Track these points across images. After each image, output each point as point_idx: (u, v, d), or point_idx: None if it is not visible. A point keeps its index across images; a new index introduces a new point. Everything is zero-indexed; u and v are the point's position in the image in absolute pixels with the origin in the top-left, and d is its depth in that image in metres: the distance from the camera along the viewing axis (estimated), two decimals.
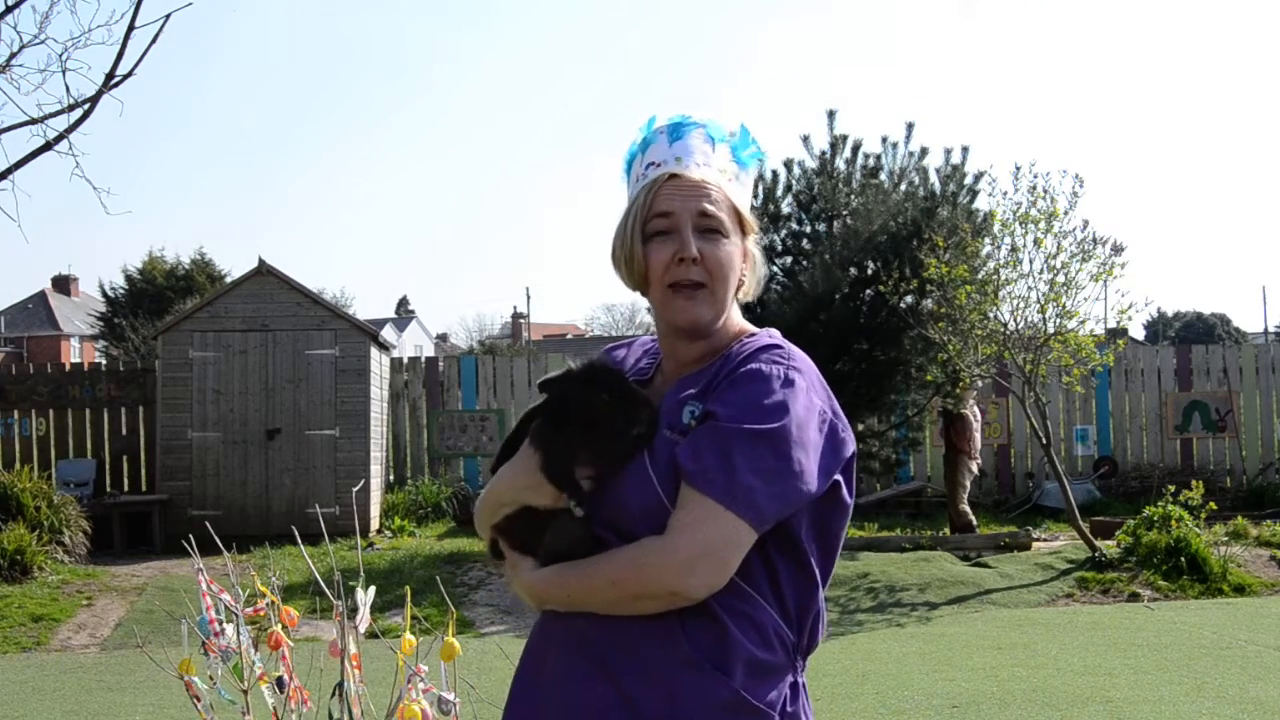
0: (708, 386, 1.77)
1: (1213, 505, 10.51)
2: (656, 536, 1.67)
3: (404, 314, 65.64)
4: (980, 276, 10.83)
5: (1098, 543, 10.31)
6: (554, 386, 1.80)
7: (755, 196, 12.16)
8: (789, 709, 1.75)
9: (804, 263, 11.86)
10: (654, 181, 1.82)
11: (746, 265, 1.86)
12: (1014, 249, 10.61)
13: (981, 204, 11.92)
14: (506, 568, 1.85)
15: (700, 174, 1.81)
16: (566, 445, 1.75)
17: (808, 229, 12.20)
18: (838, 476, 1.77)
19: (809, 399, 1.73)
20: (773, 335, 1.84)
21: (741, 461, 1.66)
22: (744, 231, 1.85)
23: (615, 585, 1.68)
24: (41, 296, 56.85)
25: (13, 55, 8.91)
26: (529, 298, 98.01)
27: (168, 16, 8.63)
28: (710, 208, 1.79)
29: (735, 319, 1.87)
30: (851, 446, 1.80)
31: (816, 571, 1.78)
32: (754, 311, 11.04)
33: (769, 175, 12.26)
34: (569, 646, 1.76)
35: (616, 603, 1.69)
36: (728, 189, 1.83)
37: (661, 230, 1.80)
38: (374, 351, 13.47)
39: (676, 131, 1.86)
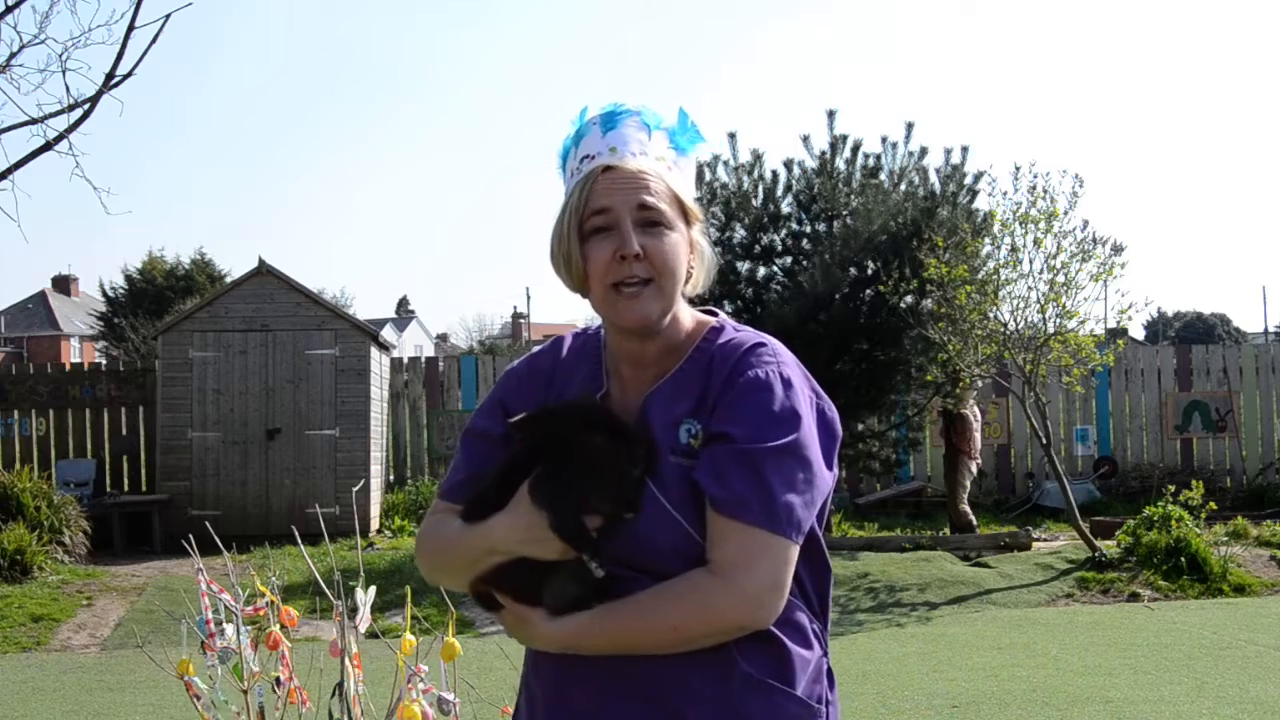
0: (700, 401, 1.70)
1: (1213, 505, 10.50)
2: (710, 575, 1.60)
3: (404, 314, 65.63)
4: (980, 276, 10.82)
5: (1098, 543, 10.30)
6: (534, 430, 1.70)
7: (755, 196, 12.19)
8: (829, 697, 1.75)
9: (804, 263, 11.85)
10: (588, 175, 1.72)
11: (694, 256, 1.77)
12: (1014, 249, 10.61)
13: (981, 204, 11.92)
14: (507, 618, 1.74)
15: (637, 164, 1.72)
16: (574, 499, 1.65)
17: (808, 229, 12.19)
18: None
19: (803, 392, 1.70)
20: (739, 328, 1.78)
21: (775, 481, 1.61)
22: (688, 221, 1.76)
23: (679, 629, 1.61)
24: (41, 296, 56.86)
25: (13, 55, 8.90)
26: (529, 298, 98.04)
27: (168, 16, 8.62)
28: (650, 199, 1.70)
29: (686, 312, 1.79)
30: (838, 420, 1.77)
31: (826, 553, 1.77)
32: (754, 312, 10.96)
33: (769, 175, 12.26)
34: (606, 686, 1.67)
35: (674, 644, 1.62)
36: (668, 177, 1.74)
37: (600, 227, 1.70)
38: (374, 351, 13.47)
39: (610, 121, 1.76)
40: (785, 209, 12.23)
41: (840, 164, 12.14)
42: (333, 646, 3.30)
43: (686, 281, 1.76)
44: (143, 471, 14.07)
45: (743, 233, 12.17)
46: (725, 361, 1.71)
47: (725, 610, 1.60)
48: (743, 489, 1.60)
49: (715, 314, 1.83)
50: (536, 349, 1.95)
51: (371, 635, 3.75)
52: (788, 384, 1.68)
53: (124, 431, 14.20)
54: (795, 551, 1.63)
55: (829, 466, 1.71)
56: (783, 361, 1.71)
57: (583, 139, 1.77)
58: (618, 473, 1.65)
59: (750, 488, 1.60)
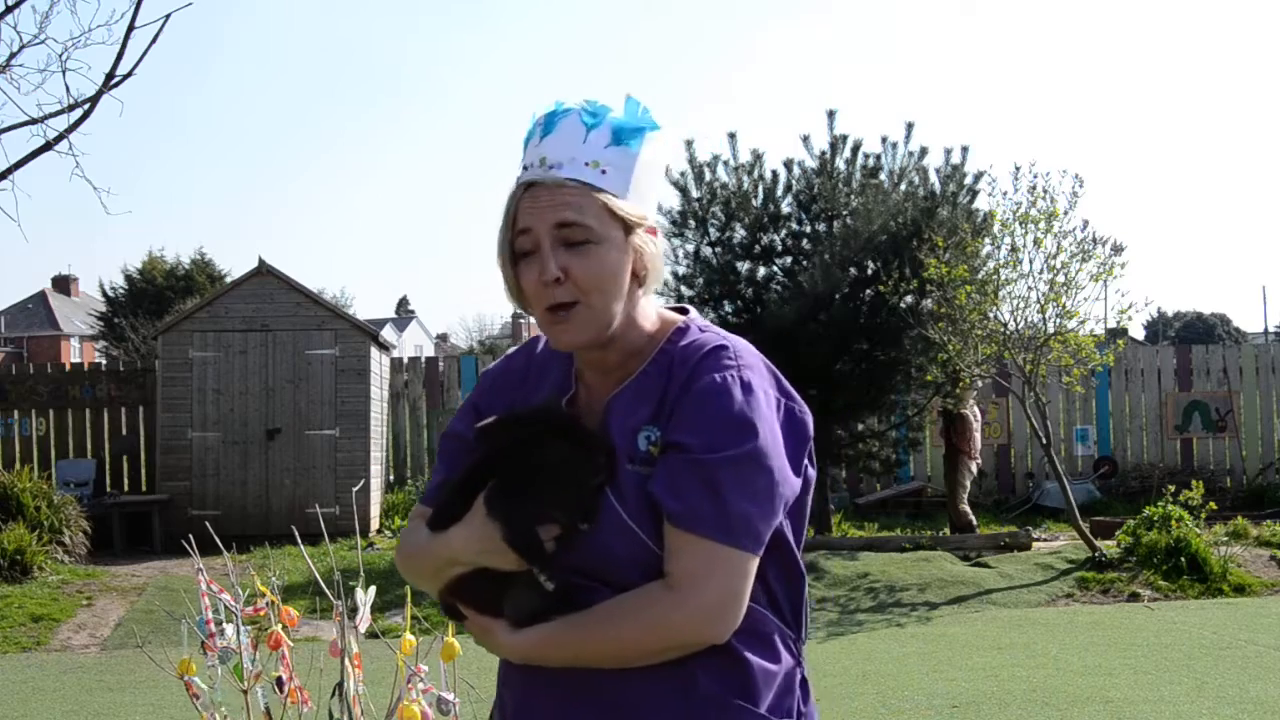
0: (659, 407, 1.64)
1: (1213, 505, 10.50)
2: (666, 589, 1.57)
3: (404, 314, 65.66)
4: (980, 276, 10.82)
5: (1098, 543, 10.30)
6: (498, 436, 1.66)
7: (755, 196, 12.18)
8: (803, 709, 1.71)
9: (804, 263, 11.84)
10: (513, 194, 1.66)
11: (641, 259, 1.68)
12: (1014, 249, 10.61)
13: (981, 204, 11.92)
14: (472, 629, 1.72)
15: (562, 176, 1.63)
16: (529, 510, 1.61)
17: (808, 229, 12.19)
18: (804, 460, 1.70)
19: (767, 395, 1.64)
20: (705, 328, 1.72)
21: (730, 492, 1.56)
22: (628, 227, 1.67)
23: (634, 644, 1.58)
24: (41, 296, 56.88)
25: (13, 55, 8.91)
26: None
27: (168, 16, 8.62)
28: (571, 216, 1.62)
29: (646, 313, 1.72)
30: (809, 421, 1.71)
31: (800, 561, 1.73)
32: (754, 312, 10.96)
33: (769, 175, 12.25)
34: (569, 699, 1.65)
35: (630, 659, 1.60)
36: (600, 185, 1.64)
37: (526, 250, 1.64)
38: (374, 351, 13.47)
39: (549, 124, 1.68)
40: (785, 209, 12.23)
41: (840, 164, 12.14)
42: (333, 646, 3.30)
43: (640, 286, 1.70)
44: (143, 471, 14.07)
45: (743, 233, 12.17)
46: (684, 365, 1.66)
47: (678, 626, 1.56)
48: (697, 501, 1.56)
49: (686, 311, 1.78)
50: (512, 350, 1.93)
51: (371, 635, 3.75)
52: (747, 388, 1.61)
53: (124, 431, 14.20)
54: (753, 564, 1.59)
55: (798, 471, 1.66)
56: (744, 364, 1.64)
57: (528, 145, 1.70)
58: (576, 482, 1.61)
59: (705, 499, 1.56)
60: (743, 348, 1.68)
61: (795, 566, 1.71)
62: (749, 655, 1.63)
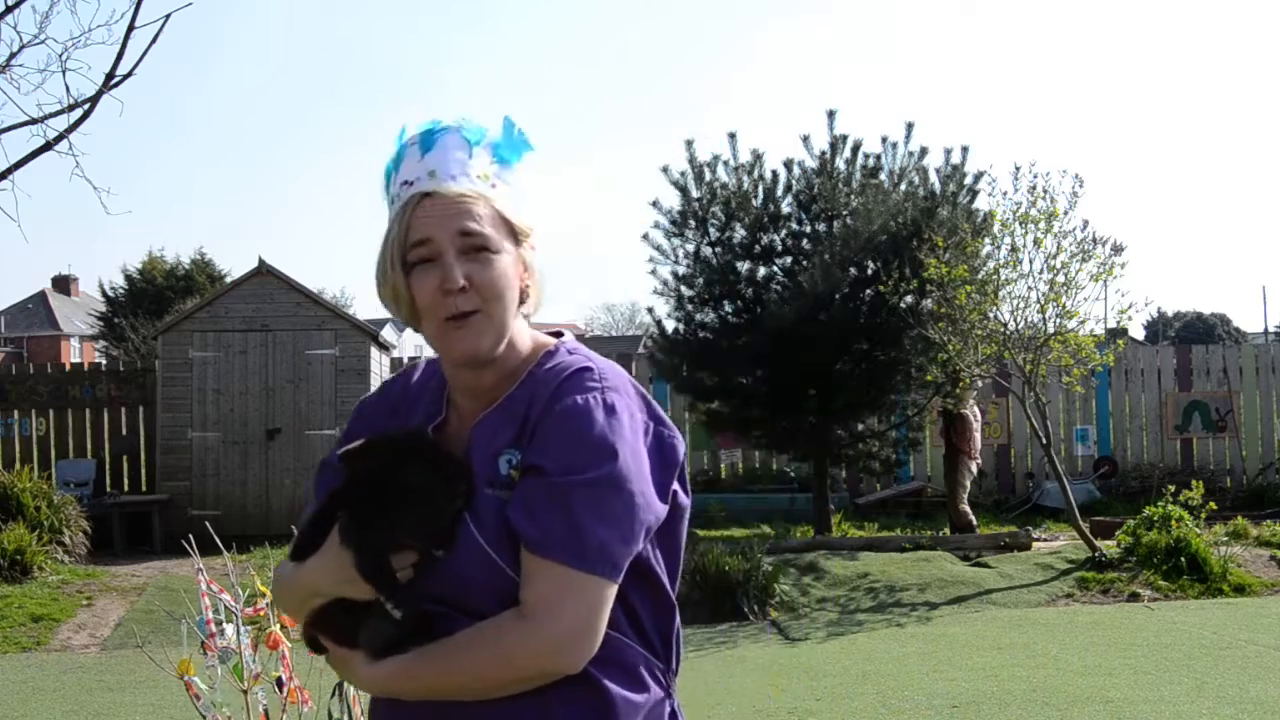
0: (521, 429, 1.61)
1: (1213, 505, 10.49)
2: (517, 618, 1.53)
3: None
4: (980, 276, 10.82)
5: (1098, 543, 10.30)
6: (357, 463, 1.63)
7: (755, 196, 12.18)
8: None
9: (804, 263, 11.84)
10: (407, 203, 1.63)
11: (527, 275, 1.69)
12: (1014, 249, 10.61)
13: (981, 204, 11.91)
14: (333, 661, 1.69)
15: (458, 187, 1.63)
16: (381, 538, 1.58)
17: (808, 229, 12.18)
18: (674, 485, 1.66)
19: (632, 418, 1.60)
20: (574, 350, 1.70)
21: (586, 517, 1.52)
22: (517, 240, 1.68)
23: (487, 675, 1.54)
24: (41, 296, 56.87)
25: (13, 55, 8.90)
26: None
27: (168, 16, 8.62)
28: (473, 225, 1.62)
29: (523, 335, 1.71)
30: (680, 447, 1.67)
31: (670, 591, 1.68)
32: (754, 312, 10.96)
33: (769, 175, 12.25)
34: None
35: (484, 691, 1.55)
36: (493, 196, 1.66)
37: (423, 258, 1.62)
38: (374, 351, 13.47)
39: (428, 141, 1.67)
40: (785, 209, 12.23)
41: (840, 164, 12.14)
42: None
43: (523, 302, 1.70)
44: (143, 471, 14.06)
45: (743, 233, 12.17)
46: (547, 387, 1.62)
47: (530, 656, 1.52)
48: (552, 525, 1.52)
49: (560, 334, 1.76)
50: (390, 378, 1.90)
51: None
52: (610, 410, 1.58)
53: (124, 431, 14.20)
54: (610, 591, 1.54)
55: (664, 497, 1.62)
56: (609, 386, 1.61)
57: (402, 162, 1.69)
58: (431, 508, 1.58)
59: (559, 524, 1.52)
60: (610, 370, 1.65)
61: (664, 596, 1.68)
62: (610, 685, 1.59)
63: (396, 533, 1.58)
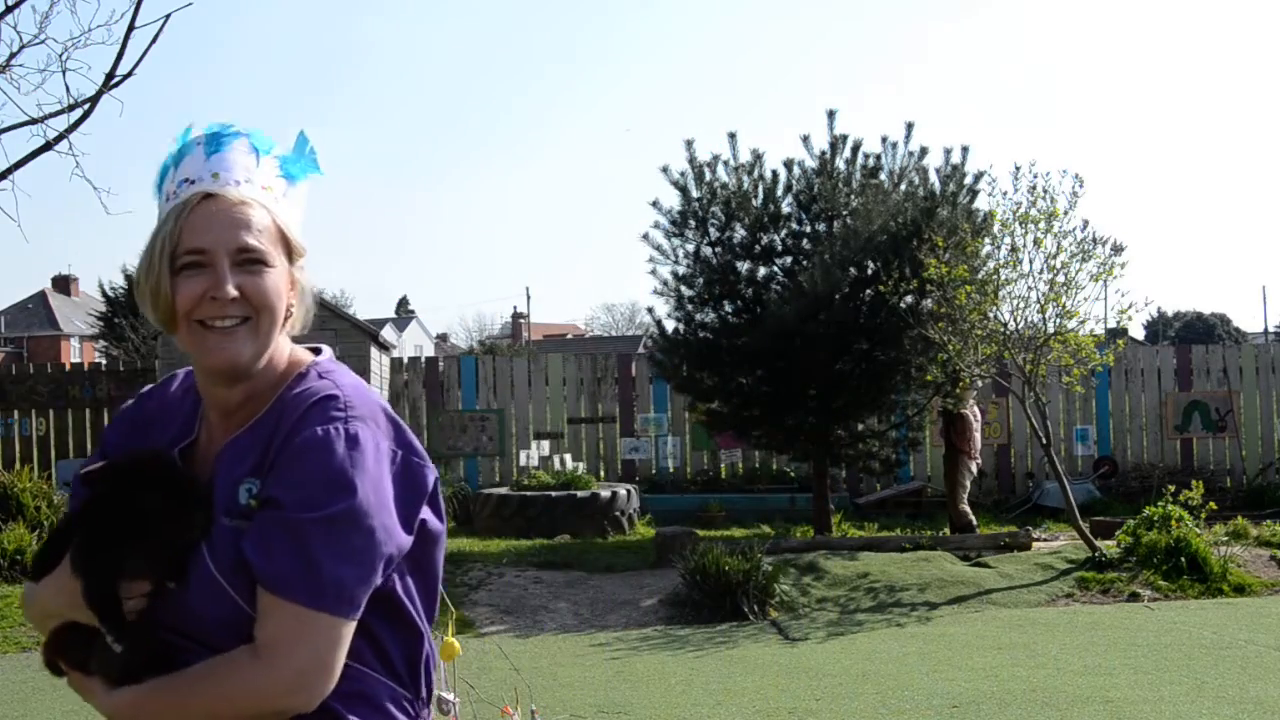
0: (263, 457, 1.56)
1: (1213, 505, 10.49)
2: (251, 656, 1.49)
3: (404, 314, 65.65)
4: (980, 276, 10.82)
5: (1098, 543, 10.30)
6: (97, 484, 1.57)
7: (755, 196, 12.18)
8: None
9: (804, 263, 11.84)
10: (186, 203, 1.59)
11: (294, 293, 1.65)
12: (1014, 249, 10.61)
13: (981, 204, 11.91)
14: (73, 684, 1.65)
15: (240, 193, 1.60)
16: (109, 565, 1.53)
17: (808, 229, 12.18)
18: (424, 514, 1.63)
19: (376, 447, 1.56)
20: (325, 373, 1.64)
21: (323, 554, 1.48)
22: (291, 257, 1.64)
23: (216, 714, 1.50)
24: (41, 296, 56.88)
25: (13, 55, 8.91)
26: (529, 298, 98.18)
27: (168, 16, 8.63)
28: (251, 240, 1.58)
29: (281, 354, 1.66)
30: (431, 474, 1.64)
31: (419, 619, 1.66)
32: (754, 312, 10.93)
33: (769, 175, 12.25)
34: None
35: None
36: (274, 209, 1.62)
37: (195, 263, 1.57)
38: (374, 351, 13.48)
39: (215, 143, 1.63)
40: (785, 209, 12.23)
41: (840, 164, 12.14)
42: None
43: (286, 320, 1.65)
44: None
45: (743, 233, 12.17)
46: (292, 414, 1.57)
47: (262, 696, 1.49)
48: (287, 562, 1.48)
49: (319, 350, 1.72)
50: (148, 388, 1.83)
51: None
52: (353, 441, 1.53)
53: None
54: (347, 629, 1.51)
55: (410, 526, 1.59)
56: (354, 415, 1.56)
57: (184, 159, 1.64)
58: (165, 536, 1.53)
59: (294, 561, 1.48)
60: (359, 397, 1.60)
61: (413, 625, 1.65)
62: (350, 718, 1.57)
63: (128, 561, 1.53)
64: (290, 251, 1.65)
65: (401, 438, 1.61)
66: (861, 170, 12.17)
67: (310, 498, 1.50)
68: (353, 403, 1.58)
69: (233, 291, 1.56)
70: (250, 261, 1.58)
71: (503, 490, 13.35)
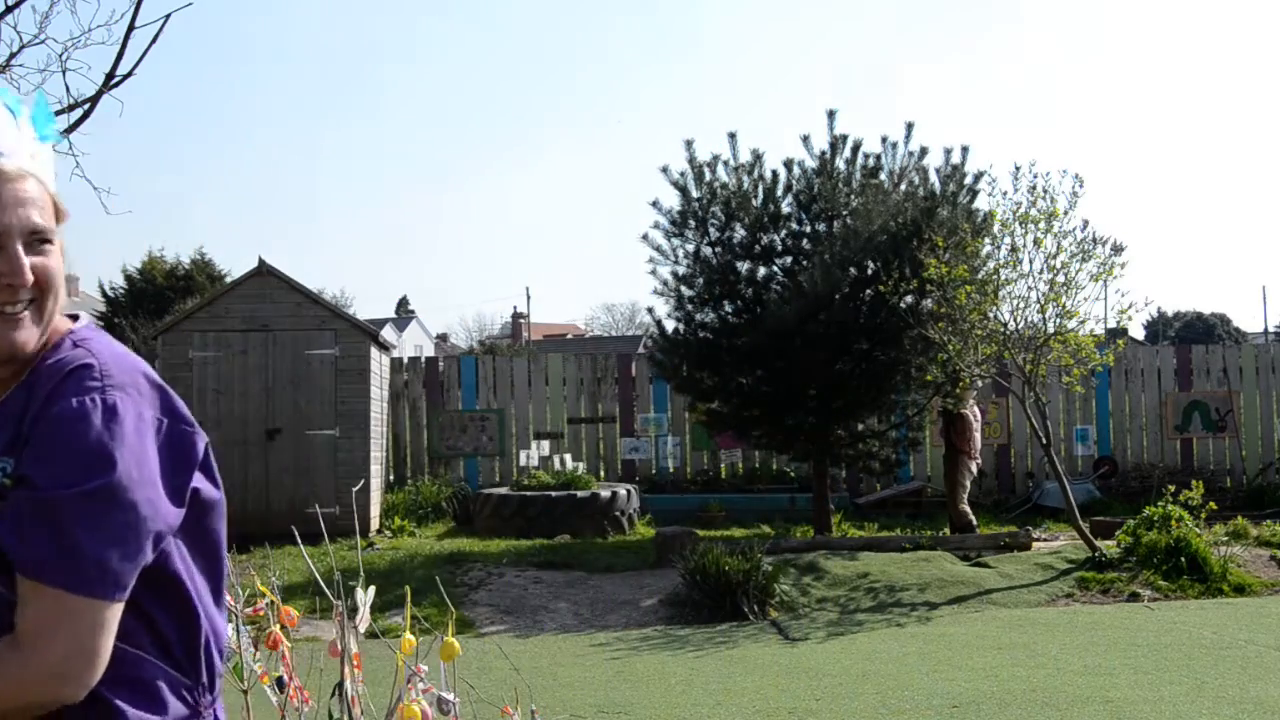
0: (16, 434, 1.46)
1: (1213, 505, 10.50)
2: (11, 647, 1.41)
3: (404, 314, 65.65)
4: (980, 276, 10.83)
5: (1098, 543, 10.31)
6: None
7: (755, 196, 12.19)
8: None
9: (804, 263, 11.85)
10: None
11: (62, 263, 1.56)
12: (1014, 249, 10.62)
13: (981, 204, 11.93)
14: None
15: (14, 164, 1.49)
16: None
17: (808, 229, 12.19)
18: (197, 482, 1.56)
19: (138, 417, 1.47)
20: (80, 341, 1.54)
21: (82, 534, 1.39)
22: (57, 223, 1.56)
23: None
24: None
25: (13, 55, 8.90)
26: (529, 298, 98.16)
27: (168, 16, 8.62)
28: (39, 219, 1.49)
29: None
30: (200, 441, 1.57)
31: (196, 598, 1.57)
32: (754, 311, 10.93)
33: (769, 175, 12.26)
34: None
35: None
36: (44, 177, 1.53)
37: None
38: (374, 351, 13.48)
39: None
40: (785, 209, 12.24)
41: (840, 164, 12.15)
42: (332, 647, 3.30)
43: None
44: None
45: (743, 233, 12.17)
46: (43, 388, 1.47)
47: (24, 687, 1.40)
48: (42, 545, 1.39)
49: (77, 319, 1.61)
50: None
51: (371, 635, 3.75)
52: (110, 413, 1.44)
53: None
54: (112, 612, 1.43)
55: (178, 499, 1.51)
56: (111, 384, 1.47)
57: None
58: None
59: (50, 544, 1.39)
60: (116, 364, 1.51)
61: (189, 605, 1.56)
62: (121, 705, 1.49)
63: None
64: (58, 216, 1.56)
65: (167, 404, 1.53)
66: (861, 170, 12.18)
67: (65, 475, 1.40)
68: (110, 371, 1.49)
69: (30, 275, 1.48)
70: (40, 241, 1.51)
71: (503, 490, 13.36)
